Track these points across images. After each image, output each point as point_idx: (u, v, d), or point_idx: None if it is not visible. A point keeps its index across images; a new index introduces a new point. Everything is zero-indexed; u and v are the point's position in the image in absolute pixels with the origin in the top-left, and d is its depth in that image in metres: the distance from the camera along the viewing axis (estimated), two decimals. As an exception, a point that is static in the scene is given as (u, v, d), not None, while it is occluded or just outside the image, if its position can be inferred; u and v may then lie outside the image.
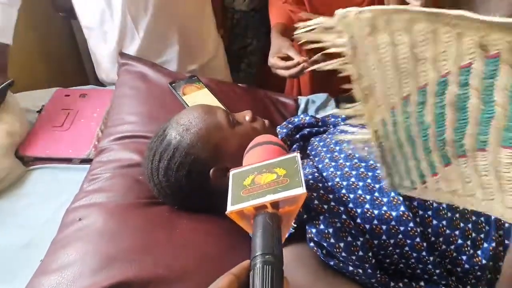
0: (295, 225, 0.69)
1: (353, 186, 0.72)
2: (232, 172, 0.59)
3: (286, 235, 0.58)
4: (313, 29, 0.52)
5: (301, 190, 0.52)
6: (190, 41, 1.34)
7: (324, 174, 0.76)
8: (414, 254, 0.69)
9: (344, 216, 0.68)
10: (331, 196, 0.71)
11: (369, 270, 0.67)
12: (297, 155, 0.58)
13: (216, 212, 0.77)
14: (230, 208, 0.53)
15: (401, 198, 0.69)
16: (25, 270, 0.81)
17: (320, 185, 0.73)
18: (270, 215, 0.51)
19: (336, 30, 0.50)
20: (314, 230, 0.67)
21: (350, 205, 0.70)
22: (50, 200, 0.99)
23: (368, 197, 0.71)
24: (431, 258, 0.69)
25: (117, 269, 0.70)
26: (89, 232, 0.77)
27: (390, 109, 0.52)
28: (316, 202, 0.69)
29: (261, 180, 0.55)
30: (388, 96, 0.51)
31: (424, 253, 0.69)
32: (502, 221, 0.70)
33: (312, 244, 0.68)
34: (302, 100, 1.28)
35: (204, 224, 0.80)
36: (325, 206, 0.69)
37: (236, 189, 0.56)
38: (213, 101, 1.12)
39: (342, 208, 0.69)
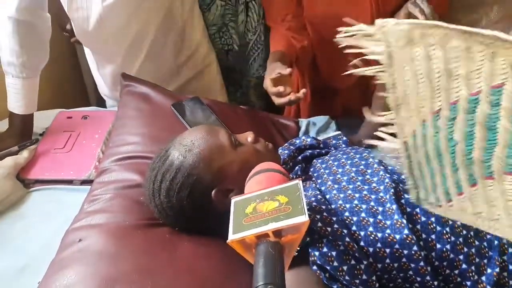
0: (298, 248, 0.68)
1: (356, 209, 0.72)
2: (234, 200, 0.59)
3: (289, 264, 0.57)
4: (354, 35, 0.53)
5: (304, 218, 0.51)
6: (183, 55, 1.35)
7: (327, 196, 0.76)
8: (418, 279, 0.68)
9: (347, 239, 0.68)
10: (334, 218, 0.70)
11: (373, 295, 0.66)
12: (299, 182, 0.58)
13: (217, 235, 0.76)
14: (232, 237, 0.53)
15: (404, 221, 0.69)
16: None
17: (323, 207, 0.72)
18: (272, 244, 0.51)
19: (375, 38, 0.52)
20: (317, 253, 0.67)
21: (354, 227, 0.70)
22: (49, 222, 0.99)
23: (371, 219, 0.70)
24: (436, 283, 0.68)
25: (117, 292, 0.69)
26: (89, 254, 0.76)
27: (421, 121, 0.53)
28: (319, 224, 0.69)
29: (263, 208, 0.55)
30: (420, 108, 0.52)
31: (428, 278, 0.68)
32: (506, 246, 0.69)
33: (315, 267, 0.67)
34: (303, 122, 1.29)
35: (205, 247, 0.79)
36: (328, 229, 0.68)
37: (237, 217, 0.55)
38: (215, 122, 1.12)
39: (345, 231, 0.69)
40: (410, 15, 0.94)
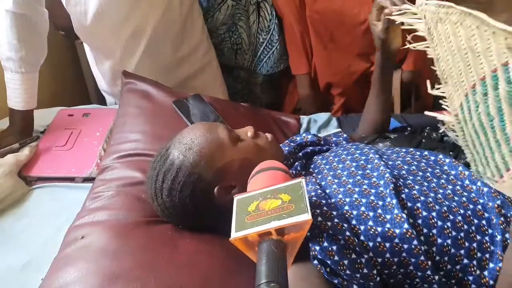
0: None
1: (356, 203, 0.72)
2: (237, 198, 0.59)
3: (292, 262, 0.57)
4: (404, 13, 0.60)
5: (307, 217, 0.51)
6: (182, 52, 1.36)
7: (327, 191, 0.76)
8: (419, 273, 0.69)
9: (347, 233, 0.68)
10: (334, 213, 0.70)
11: (374, 289, 0.66)
12: (302, 180, 0.58)
13: (220, 232, 0.76)
14: (234, 235, 0.53)
15: (404, 216, 0.69)
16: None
17: (323, 201, 0.72)
18: (275, 242, 0.51)
19: (417, 16, 0.57)
20: (317, 248, 0.67)
21: (354, 222, 0.70)
22: (51, 219, 0.99)
23: (371, 214, 0.70)
24: (436, 277, 0.68)
25: (119, 289, 0.69)
26: (91, 251, 0.77)
27: (464, 94, 0.56)
28: (319, 219, 0.69)
29: (266, 206, 0.55)
30: (461, 82, 0.55)
31: (429, 272, 0.68)
32: (508, 242, 0.69)
33: (316, 262, 0.67)
34: (304, 119, 1.29)
35: (208, 245, 0.79)
36: (329, 223, 0.68)
37: (240, 216, 0.55)
38: (216, 119, 1.12)
39: (345, 225, 0.69)
40: None
